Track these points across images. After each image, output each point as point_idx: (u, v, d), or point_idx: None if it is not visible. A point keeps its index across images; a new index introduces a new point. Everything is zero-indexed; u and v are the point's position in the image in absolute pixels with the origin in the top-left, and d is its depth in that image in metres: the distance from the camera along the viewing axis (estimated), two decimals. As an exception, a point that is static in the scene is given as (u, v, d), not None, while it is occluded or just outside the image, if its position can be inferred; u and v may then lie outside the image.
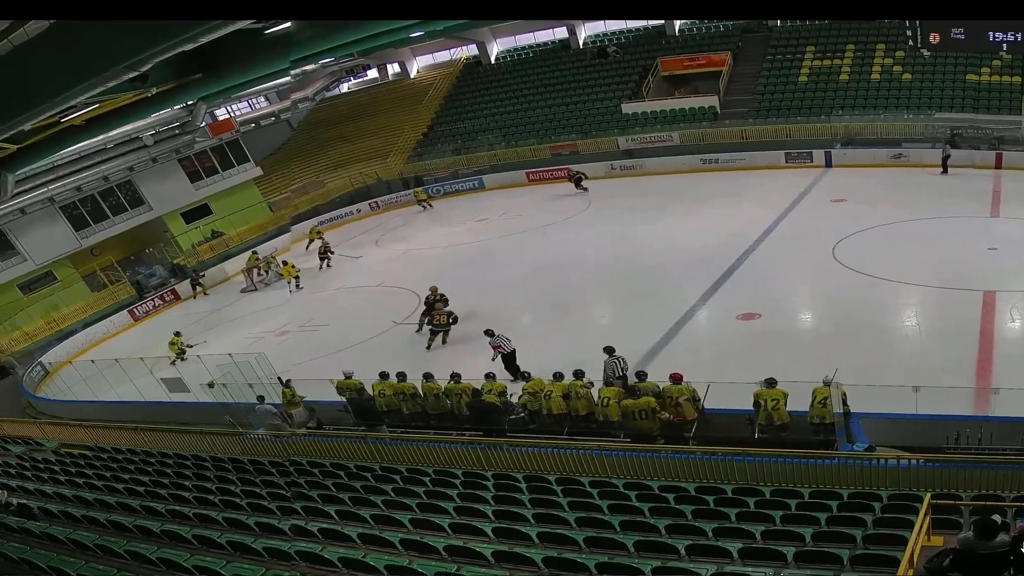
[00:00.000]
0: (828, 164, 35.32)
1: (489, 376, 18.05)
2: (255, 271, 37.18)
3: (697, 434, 15.06)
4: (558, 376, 17.02)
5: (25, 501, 14.28)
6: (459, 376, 18.15)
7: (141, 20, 13.60)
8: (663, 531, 10.33)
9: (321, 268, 36.64)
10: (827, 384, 14.14)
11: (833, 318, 21.18)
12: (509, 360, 20.60)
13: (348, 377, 19.51)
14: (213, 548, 10.82)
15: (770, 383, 14.59)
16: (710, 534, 10.03)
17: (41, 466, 18.03)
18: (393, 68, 58.72)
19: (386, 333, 26.80)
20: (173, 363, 26.79)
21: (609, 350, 17.57)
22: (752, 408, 14.73)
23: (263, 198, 47.19)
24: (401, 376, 18.94)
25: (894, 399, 14.28)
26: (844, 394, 14.56)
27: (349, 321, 29.15)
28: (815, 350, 18.88)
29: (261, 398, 20.18)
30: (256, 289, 36.37)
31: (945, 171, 31.60)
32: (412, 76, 57.57)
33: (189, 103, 38.89)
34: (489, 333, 20.86)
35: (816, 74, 39.76)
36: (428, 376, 18.67)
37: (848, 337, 19.43)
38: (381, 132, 53.00)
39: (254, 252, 39.09)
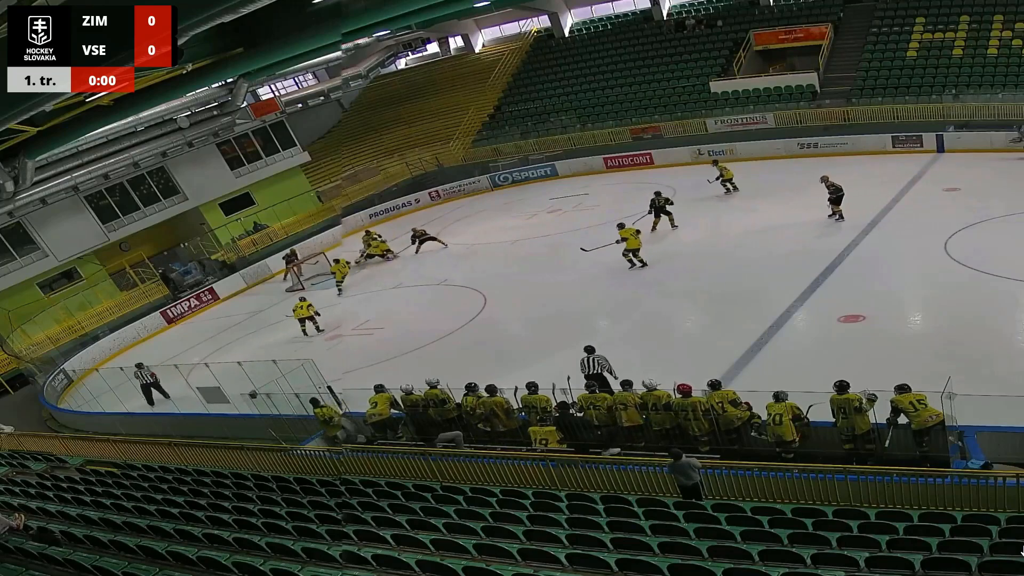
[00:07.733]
0: (940, 149, 34.83)
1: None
2: (297, 269, 37.58)
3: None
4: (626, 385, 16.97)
5: (46, 524, 14.32)
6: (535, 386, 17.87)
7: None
8: (756, 558, 10.32)
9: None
10: (871, 399, 14.34)
11: (945, 320, 20.99)
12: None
13: (409, 393, 19.48)
14: (255, 577, 10.79)
15: (778, 396, 14.92)
16: (808, 561, 10.03)
17: (64, 485, 18.10)
18: (456, 42, 58.97)
19: (449, 336, 26.66)
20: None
21: (589, 349, 18.76)
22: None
23: (311, 187, 47.59)
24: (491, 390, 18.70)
25: (1014, 411, 14.18)
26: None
27: (408, 323, 29.13)
28: (925, 355, 18.87)
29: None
30: (302, 288, 36.54)
31: None
32: (477, 51, 57.80)
33: (228, 81, 39.35)
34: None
35: (926, 48, 38.97)
36: (471, 388, 18.78)
37: (962, 341, 19.27)
38: (442, 113, 53.24)
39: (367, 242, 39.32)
